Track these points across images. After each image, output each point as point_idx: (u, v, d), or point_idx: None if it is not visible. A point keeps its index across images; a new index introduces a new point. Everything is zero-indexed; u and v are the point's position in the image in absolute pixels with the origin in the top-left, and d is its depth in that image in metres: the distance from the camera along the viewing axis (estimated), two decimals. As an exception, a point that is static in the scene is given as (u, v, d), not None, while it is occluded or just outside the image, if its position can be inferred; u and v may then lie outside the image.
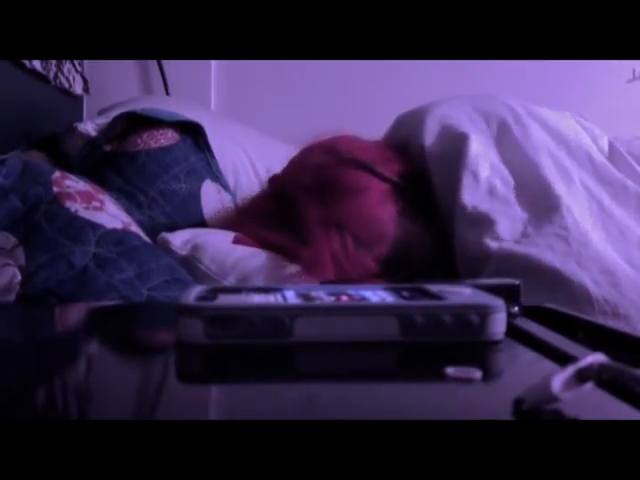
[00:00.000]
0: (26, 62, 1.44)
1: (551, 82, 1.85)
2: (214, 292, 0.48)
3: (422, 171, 1.14)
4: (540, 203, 1.03)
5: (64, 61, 1.66)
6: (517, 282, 0.53)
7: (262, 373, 0.40)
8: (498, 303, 0.45)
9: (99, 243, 0.86)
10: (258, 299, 0.47)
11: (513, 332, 0.46)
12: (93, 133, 1.32)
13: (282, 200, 1.13)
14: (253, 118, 1.74)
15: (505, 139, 1.14)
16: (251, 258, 1.03)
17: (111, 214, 0.94)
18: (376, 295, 0.48)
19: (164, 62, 1.86)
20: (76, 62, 1.73)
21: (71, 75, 1.70)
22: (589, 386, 0.31)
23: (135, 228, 0.97)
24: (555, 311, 0.55)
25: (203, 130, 1.33)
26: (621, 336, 0.47)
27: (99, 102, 1.63)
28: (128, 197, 1.18)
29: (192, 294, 0.47)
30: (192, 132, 1.33)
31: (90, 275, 0.82)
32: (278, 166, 1.27)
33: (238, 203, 1.34)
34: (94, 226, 0.88)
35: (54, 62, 1.60)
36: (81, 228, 0.87)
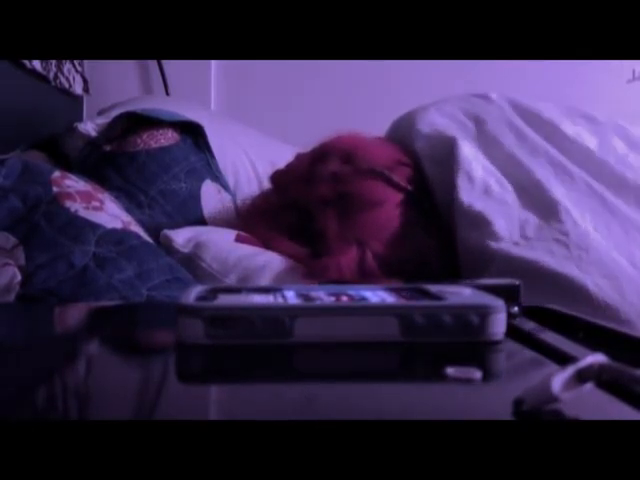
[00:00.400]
0: (26, 62, 1.44)
1: (551, 82, 1.85)
2: (214, 292, 0.48)
3: (421, 174, 1.14)
4: (538, 207, 1.02)
5: (64, 61, 1.66)
6: (517, 282, 0.53)
7: (262, 373, 0.40)
8: (498, 303, 0.45)
9: (99, 243, 0.86)
10: (258, 299, 0.47)
11: (513, 332, 0.46)
12: (93, 133, 1.32)
13: (298, 209, 1.12)
14: (253, 118, 1.74)
15: (497, 144, 1.13)
16: (254, 257, 1.03)
17: (111, 214, 0.94)
18: (376, 295, 0.48)
19: (164, 62, 1.86)
20: (76, 62, 1.73)
21: (71, 75, 1.70)
22: (589, 386, 0.31)
23: (135, 227, 0.97)
24: (555, 311, 0.55)
25: (203, 130, 1.34)
26: (621, 336, 0.47)
27: (99, 102, 1.63)
28: (128, 197, 1.18)
29: (192, 294, 0.47)
30: (192, 132, 1.33)
31: (90, 275, 0.82)
32: (278, 166, 1.27)
33: (239, 203, 1.34)
34: (94, 226, 0.88)
35: (54, 62, 1.60)
36: (81, 228, 0.87)
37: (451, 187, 1.06)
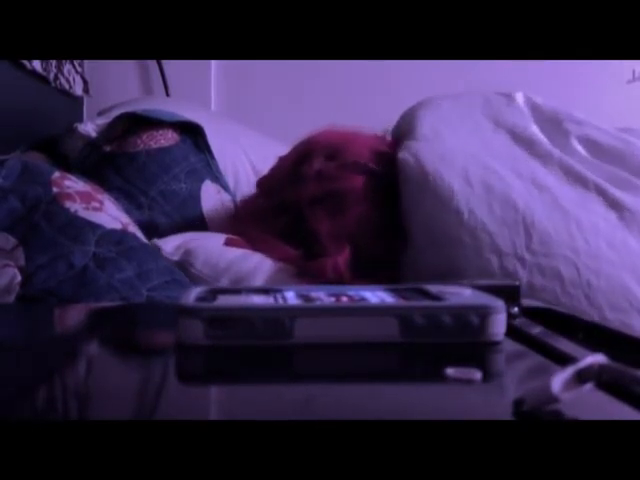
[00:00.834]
0: (26, 63, 1.44)
1: (551, 82, 1.85)
2: (214, 293, 0.48)
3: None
4: (549, 217, 0.96)
5: (64, 62, 1.66)
6: (517, 283, 0.53)
7: (262, 374, 0.40)
8: (498, 304, 0.45)
9: (99, 243, 0.86)
10: (258, 300, 0.47)
11: (513, 333, 0.46)
12: (93, 134, 1.32)
13: (287, 211, 1.12)
14: (253, 118, 1.74)
15: (510, 148, 1.09)
16: (244, 260, 1.03)
17: (110, 214, 0.94)
18: (376, 296, 0.48)
19: (164, 62, 1.87)
20: (76, 63, 1.73)
21: (71, 76, 1.70)
22: (589, 387, 0.31)
23: (133, 228, 0.97)
24: (555, 312, 0.55)
25: (203, 130, 1.33)
26: (621, 337, 0.47)
27: (99, 103, 1.64)
28: (128, 197, 1.18)
29: (192, 295, 0.47)
30: (192, 132, 1.33)
31: (90, 275, 0.82)
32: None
33: (237, 204, 1.34)
34: (94, 226, 0.88)
35: (54, 63, 1.60)
36: (81, 228, 0.87)
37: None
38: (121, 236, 0.90)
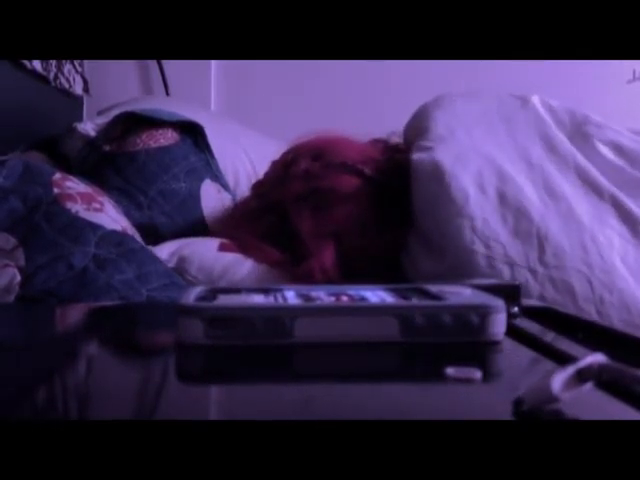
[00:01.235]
0: (26, 63, 1.45)
1: (551, 82, 1.85)
2: (214, 292, 0.48)
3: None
4: (563, 230, 0.93)
5: (64, 62, 1.66)
6: (517, 283, 0.53)
7: (262, 374, 0.40)
8: (498, 303, 0.45)
9: (99, 244, 0.86)
10: (258, 300, 0.47)
11: (513, 332, 0.46)
12: (92, 133, 1.32)
13: (274, 211, 1.12)
14: (253, 118, 1.74)
15: (524, 152, 1.05)
16: (239, 266, 1.03)
17: (110, 216, 0.94)
18: (376, 295, 0.48)
19: (164, 62, 1.87)
20: (76, 63, 1.73)
21: (71, 76, 1.70)
22: (589, 386, 0.31)
23: (132, 232, 0.97)
24: (555, 311, 0.55)
25: (203, 130, 1.33)
26: (621, 336, 0.47)
27: (99, 103, 1.64)
28: (128, 197, 1.18)
29: (192, 294, 0.47)
30: (192, 132, 1.33)
31: (90, 276, 0.82)
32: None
33: (233, 207, 1.34)
34: (94, 227, 0.88)
35: (54, 63, 1.61)
36: (81, 229, 0.87)
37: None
38: (121, 237, 0.90)
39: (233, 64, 1.88)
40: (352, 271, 1.02)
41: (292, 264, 1.04)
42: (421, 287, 0.51)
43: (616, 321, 0.84)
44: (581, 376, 0.31)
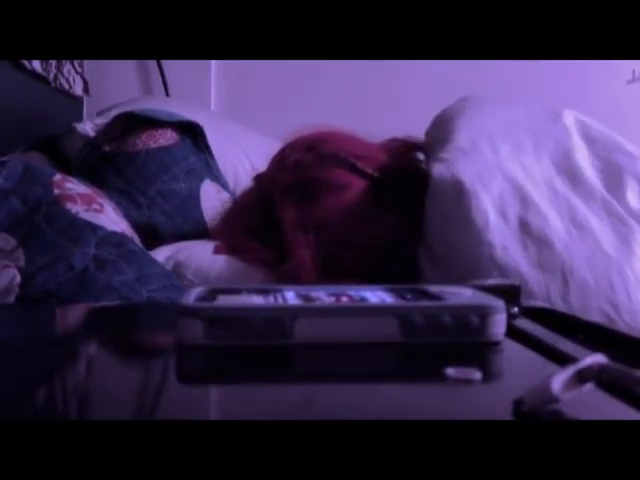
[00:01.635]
0: (26, 63, 1.45)
1: (551, 82, 1.85)
2: (214, 293, 0.48)
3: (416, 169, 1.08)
4: (589, 264, 0.86)
5: (64, 62, 1.66)
6: (517, 283, 0.53)
7: (262, 374, 0.40)
8: (498, 304, 0.45)
9: (99, 245, 0.86)
10: (258, 300, 0.47)
11: (513, 333, 0.46)
12: (92, 133, 1.32)
13: (263, 203, 1.10)
14: (253, 119, 1.74)
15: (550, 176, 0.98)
16: (234, 269, 1.02)
17: (110, 218, 0.94)
18: (376, 296, 0.48)
19: (164, 62, 1.87)
20: (76, 63, 1.73)
21: (71, 76, 1.70)
22: (589, 387, 0.31)
23: (130, 234, 0.97)
24: (555, 312, 0.55)
25: (202, 130, 1.33)
26: (621, 337, 0.47)
27: (99, 103, 1.64)
28: (128, 197, 1.18)
29: (192, 295, 0.47)
30: (191, 132, 1.33)
31: (90, 276, 0.82)
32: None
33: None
34: (94, 228, 0.88)
35: (54, 63, 1.61)
36: (81, 230, 0.87)
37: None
38: (121, 239, 0.90)
39: (233, 64, 1.88)
40: (335, 267, 0.99)
41: (276, 261, 1.02)
42: (421, 287, 0.51)
43: None
44: (581, 377, 0.31)
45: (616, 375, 0.32)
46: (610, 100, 1.83)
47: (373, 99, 1.89)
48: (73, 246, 0.84)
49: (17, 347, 0.48)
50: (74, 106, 1.79)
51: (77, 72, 1.74)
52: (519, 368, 0.44)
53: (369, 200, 1.04)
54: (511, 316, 0.48)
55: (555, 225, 0.90)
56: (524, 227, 0.90)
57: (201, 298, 0.47)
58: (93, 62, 1.81)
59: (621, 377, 0.32)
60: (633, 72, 1.90)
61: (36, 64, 1.49)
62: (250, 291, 0.50)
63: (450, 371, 0.36)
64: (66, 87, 1.68)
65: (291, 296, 0.48)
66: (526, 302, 0.71)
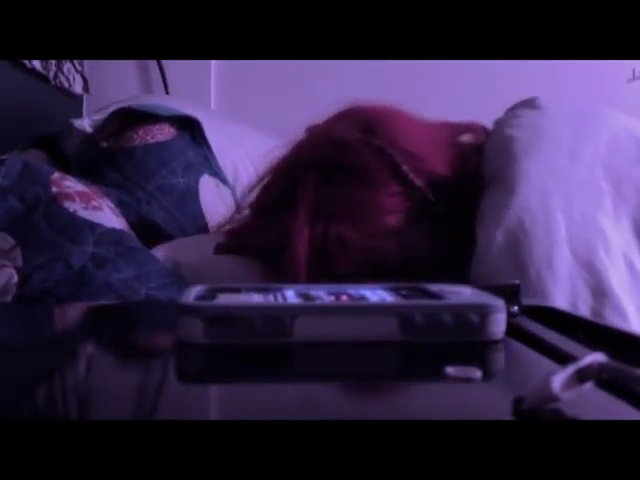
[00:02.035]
0: (26, 62, 1.45)
1: (551, 82, 1.85)
2: (214, 292, 0.48)
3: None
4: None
5: (64, 60, 1.66)
6: (517, 282, 0.53)
7: (262, 373, 0.40)
8: (498, 303, 0.45)
9: (97, 243, 0.86)
10: (258, 299, 0.47)
11: (513, 332, 0.46)
12: (89, 129, 1.32)
13: (288, 175, 0.96)
14: (253, 118, 1.74)
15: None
16: (234, 271, 0.97)
17: (108, 216, 0.94)
18: (376, 295, 0.48)
19: (164, 62, 1.86)
20: (76, 62, 1.73)
21: (71, 75, 1.70)
22: (589, 386, 0.31)
23: (128, 232, 0.97)
24: (555, 311, 0.55)
25: (200, 124, 1.33)
26: (621, 336, 0.47)
27: (99, 101, 1.63)
28: (127, 193, 1.18)
29: (192, 294, 0.47)
30: (189, 127, 1.33)
31: (88, 275, 0.82)
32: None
33: (237, 199, 1.33)
34: (93, 225, 0.88)
35: (54, 62, 1.60)
36: (80, 228, 0.87)
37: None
38: (120, 235, 0.90)
39: (233, 63, 1.88)
40: (329, 266, 0.90)
41: (274, 251, 0.92)
42: (421, 286, 0.51)
43: None
44: (581, 376, 0.31)
45: (616, 374, 0.32)
46: (610, 99, 1.83)
47: (373, 99, 1.88)
48: (71, 245, 0.84)
49: (15, 347, 0.48)
50: (74, 104, 1.79)
51: (77, 70, 1.74)
52: (519, 367, 0.44)
53: (405, 209, 0.90)
54: (511, 315, 0.48)
55: (636, 325, 0.75)
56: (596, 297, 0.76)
57: (201, 297, 0.47)
58: (93, 61, 1.81)
59: (621, 376, 0.32)
60: (633, 71, 1.90)
61: (36, 62, 1.49)
62: (250, 290, 0.50)
63: (450, 370, 0.36)
64: (66, 85, 1.68)
65: (291, 295, 0.48)
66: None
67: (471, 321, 0.44)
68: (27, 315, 0.66)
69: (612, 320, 0.75)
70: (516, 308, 0.51)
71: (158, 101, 1.48)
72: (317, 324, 0.44)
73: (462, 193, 0.90)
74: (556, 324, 0.50)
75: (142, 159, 1.23)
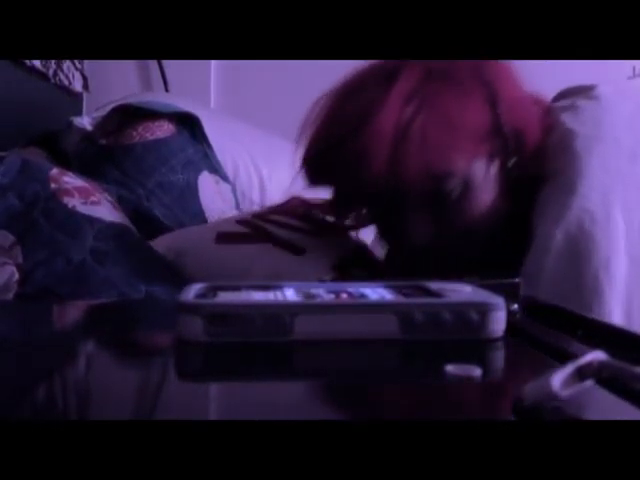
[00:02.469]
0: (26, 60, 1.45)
1: (550, 82, 1.84)
2: (214, 289, 0.48)
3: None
4: None
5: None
6: (517, 280, 0.53)
7: (262, 371, 0.40)
8: (498, 301, 0.45)
9: (97, 237, 0.86)
10: (258, 297, 0.47)
11: (513, 330, 0.46)
12: (89, 127, 1.32)
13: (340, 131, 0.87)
14: (252, 118, 1.74)
15: None
16: (236, 261, 0.95)
17: (108, 210, 0.94)
18: (376, 293, 0.48)
19: (164, 61, 1.87)
20: (76, 60, 1.73)
21: (71, 73, 1.70)
22: (589, 384, 0.31)
23: (129, 226, 0.97)
24: (555, 309, 0.55)
25: (199, 121, 1.33)
26: (621, 334, 0.47)
27: (99, 100, 1.63)
28: (127, 190, 1.18)
29: (191, 291, 0.47)
30: (188, 124, 1.33)
31: (88, 270, 0.82)
32: (278, 163, 1.27)
33: (238, 196, 1.33)
34: (92, 220, 0.88)
35: (54, 60, 1.60)
36: (79, 223, 0.87)
37: None
38: (121, 229, 0.90)
39: (233, 62, 1.88)
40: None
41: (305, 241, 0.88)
42: (421, 284, 0.51)
43: None
44: (581, 374, 0.31)
45: (616, 372, 0.32)
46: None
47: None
48: (71, 240, 0.84)
49: (16, 345, 0.48)
50: (74, 102, 1.79)
51: (77, 69, 1.74)
52: (519, 365, 0.44)
53: (480, 150, 0.84)
54: (511, 313, 0.48)
55: None
56: None
57: (201, 295, 0.47)
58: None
59: (621, 374, 0.32)
60: (633, 69, 1.90)
61: (36, 61, 1.49)
62: (250, 288, 0.50)
63: (450, 368, 0.36)
64: (66, 83, 1.68)
65: (291, 293, 0.48)
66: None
67: (471, 319, 0.44)
68: (27, 314, 0.66)
69: None
70: (516, 306, 0.51)
71: (158, 99, 1.49)
72: (317, 322, 0.44)
73: (531, 173, 0.85)
74: (556, 322, 0.50)
75: (142, 156, 1.23)
